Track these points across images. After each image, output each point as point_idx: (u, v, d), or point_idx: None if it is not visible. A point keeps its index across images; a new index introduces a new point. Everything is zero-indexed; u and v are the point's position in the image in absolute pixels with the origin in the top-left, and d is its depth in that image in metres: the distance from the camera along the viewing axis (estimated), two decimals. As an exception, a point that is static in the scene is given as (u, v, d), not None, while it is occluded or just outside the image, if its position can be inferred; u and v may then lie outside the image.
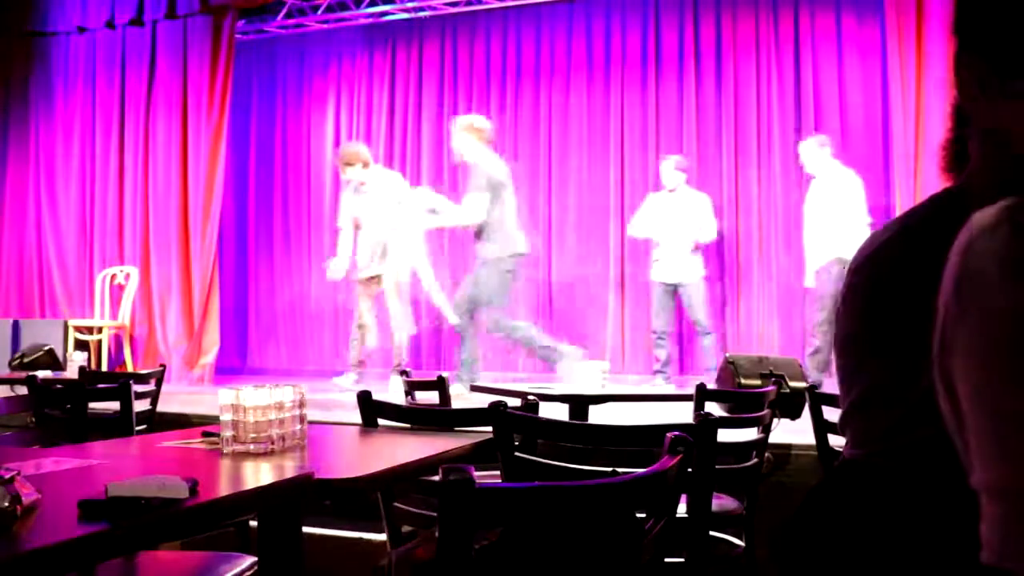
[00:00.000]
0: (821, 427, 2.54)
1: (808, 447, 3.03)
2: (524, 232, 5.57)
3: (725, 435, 2.11)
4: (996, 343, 0.53)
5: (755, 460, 2.27)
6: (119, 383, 3.02)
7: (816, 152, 5.87)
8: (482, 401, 2.21)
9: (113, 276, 7.17)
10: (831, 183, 5.76)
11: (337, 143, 8.18)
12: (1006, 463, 0.53)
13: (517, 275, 5.53)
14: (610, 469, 1.86)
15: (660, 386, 5.75)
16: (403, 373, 3.29)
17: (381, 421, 2.41)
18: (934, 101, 5.18)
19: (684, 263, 6.08)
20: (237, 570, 1.85)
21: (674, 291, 6.13)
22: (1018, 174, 0.71)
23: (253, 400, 1.74)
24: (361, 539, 3.27)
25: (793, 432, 3.37)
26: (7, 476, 1.14)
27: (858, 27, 6.65)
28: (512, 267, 5.44)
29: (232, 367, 7.78)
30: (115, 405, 3.00)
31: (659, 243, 6.20)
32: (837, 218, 5.62)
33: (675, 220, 6.16)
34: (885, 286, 0.75)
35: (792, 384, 4.11)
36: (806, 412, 2.70)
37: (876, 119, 6.54)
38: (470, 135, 5.52)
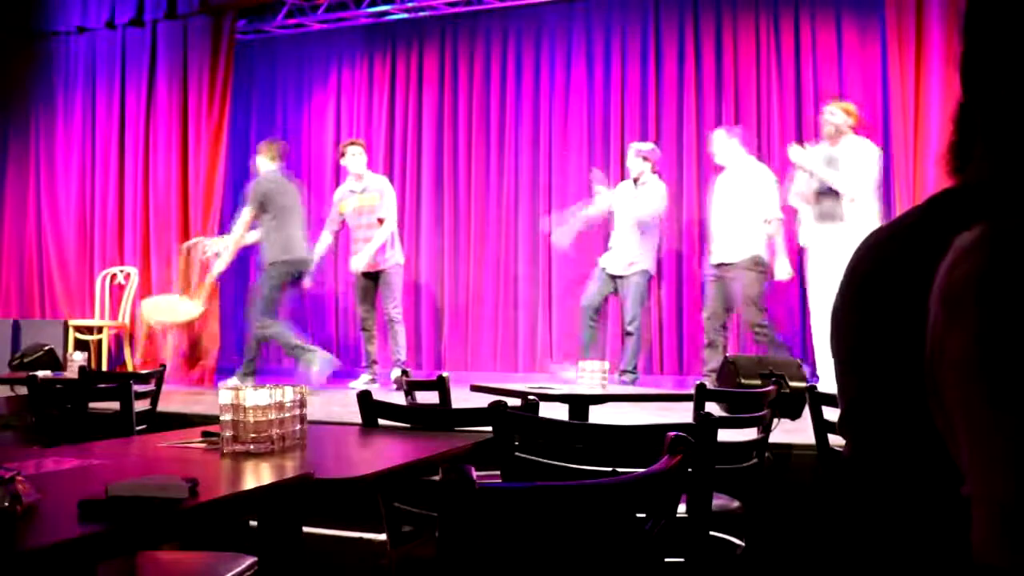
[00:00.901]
0: (821, 427, 2.55)
1: (808, 447, 3.03)
2: (305, 242, 6.02)
3: (725, 435, 2.11)
4: (976, 362, 0.55)
5: (755, 460, 2.27)
6: (119, 383, 3.02)
7: (725, 142, 5.83)
8: (482, 401, 2.22)
9: (113, 276, 7.17)
10: (738, 176, 5.74)
11: (337, 143, 8.19)
12: (987, 473, 0.55)
13: (293, 281, 5.99)
14: (610, 469, 1.87)
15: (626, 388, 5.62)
16: (403, 373, 3.30)
17: (381, 421, 2.41)
18: (934, 101, 5.18)
19: (628, 255, 6.00)
20: (237, 570, 1.85)
21: (614, 283, 6.04)
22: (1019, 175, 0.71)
23: (253, 400, 1.74)
24: (361, 539, 3.27)
25: (793, 432, 3.37)
26: (7, 476, 1.14)
27: (858, 28, 6.64)
28: (283, 274, 5.89)
29: (232, 367, 7.78)
30: (115, 405, 3.00)
31: (613, 231, 6.14)
32: (743, 213, 5.62)
33: (629, 209, 6.04)
34: (876, 287, 0.75)
35: (792, 384, 4.12)
36: (806, 412, 2.70)
37: (876, 119, 6.53)
38: (262, 154, 6.11)
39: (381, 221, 6.20)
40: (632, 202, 6.05)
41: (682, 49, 7.15)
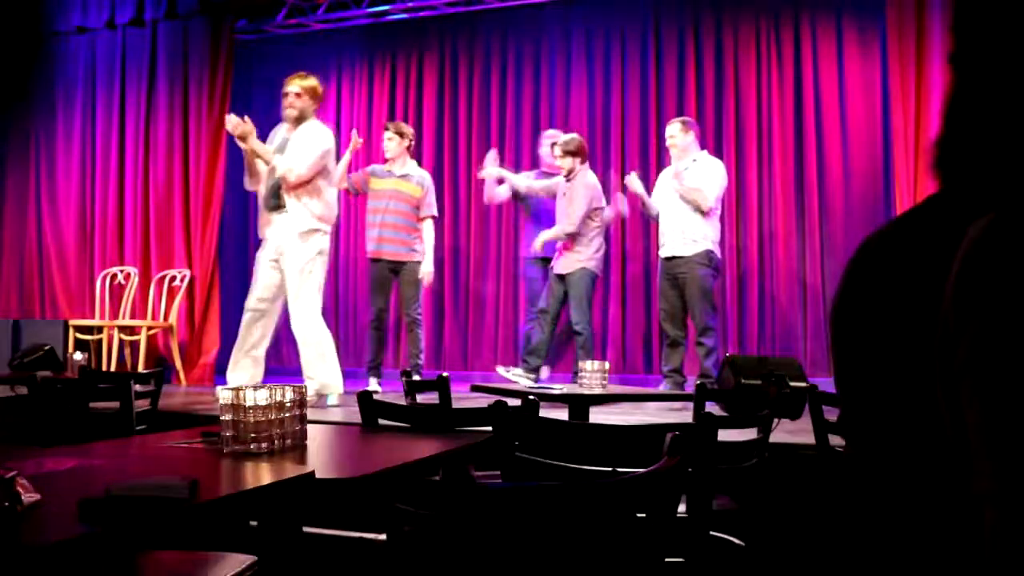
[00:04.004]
0: (821, 427, 2.55)
1: (808, 447, 3.04)
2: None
3: (725, 435, 2.11)
4: (993, 358, 0.55)
5: (755, 460, 2.27)
6: (119, 383, 3.02)
7: (682, 136, 5.71)
8: (482, 401, 2.22)
9: (113, 276, 7.17)
10: (691, 169, 5.66)
11: (337, 143, 8.17)
12: (998, 471, 0.54)
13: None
14: (610, 469, 1.87)
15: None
16: (404, 374, 3.29)
17: (381, 421, 2.41)
18: (934, 102, 5.18)
19: (572, 253, 5.87)
20: (237, 570, 1.85)
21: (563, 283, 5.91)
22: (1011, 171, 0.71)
23: (253, 400, 1.74)
24: (361, 539, 3.27)
25: (793, 432, 3.37)
26: (7, 476, 1.14)
27: (858, 28, 6.64)
28: None
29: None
30: (115, 405, 3.00)
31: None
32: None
33: (561, 207, 5.93)
34: (874, 286, 0.75)
35: (792, 384, 4.12)
36: (806, 412, 2.70)
37: (876, 119, 6.53)
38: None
39: (420, 217, 6.00)
40: (563, 199, 5.95)
41: (682, 49, 7.15)
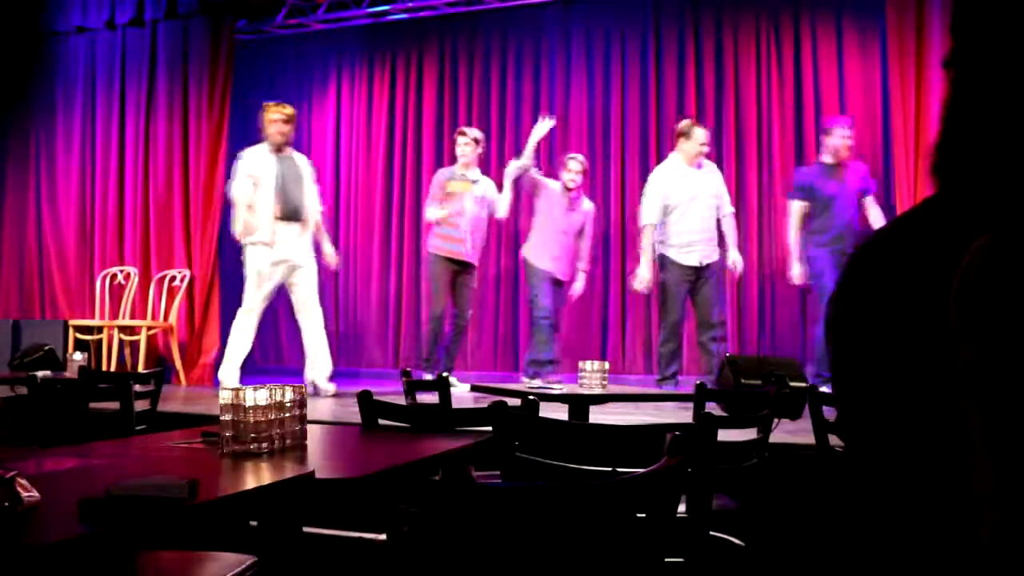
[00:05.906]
0: (821, 427, 2.55)
1: (808, 447, 3.04)
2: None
3: (725, 435, 2.11)
4: (995, 361, 0.56)
5: (755, 460, 2.27)
6: (119, 383, 3.02)
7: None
8: (482, 401, 2.22)
9: (113, 276, 7.17)
10: (706, 176, 5.74)
11: (336, 143, 8.18)
12: (997, 472, 0.55)
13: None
14: (610, 469, 1.87)
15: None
16: (404, 373, 3.29)
17: (381, 421, 2.41)
18: (934, 102, 5.18)
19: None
20: (237, 570, 1.85)
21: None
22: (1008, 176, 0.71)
23: (253, 400, 1.74)
24: (361, 539, 3.27)
25: (793, 432, 3.37)
26: (7, 476, 1.14)
27: (858, 29, 6.64)
28: None
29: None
30: (115, 405, 3.00)
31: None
32: (712, 213, 5.65)
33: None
34: (871, 289, 0.75)
35: (792, 384, 4.12)
36: (806, 412, 2.70)
37: (876, 119, 6.53)
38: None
39: (492, 216, 6.27)
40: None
41: (682, 49, 7.15)
